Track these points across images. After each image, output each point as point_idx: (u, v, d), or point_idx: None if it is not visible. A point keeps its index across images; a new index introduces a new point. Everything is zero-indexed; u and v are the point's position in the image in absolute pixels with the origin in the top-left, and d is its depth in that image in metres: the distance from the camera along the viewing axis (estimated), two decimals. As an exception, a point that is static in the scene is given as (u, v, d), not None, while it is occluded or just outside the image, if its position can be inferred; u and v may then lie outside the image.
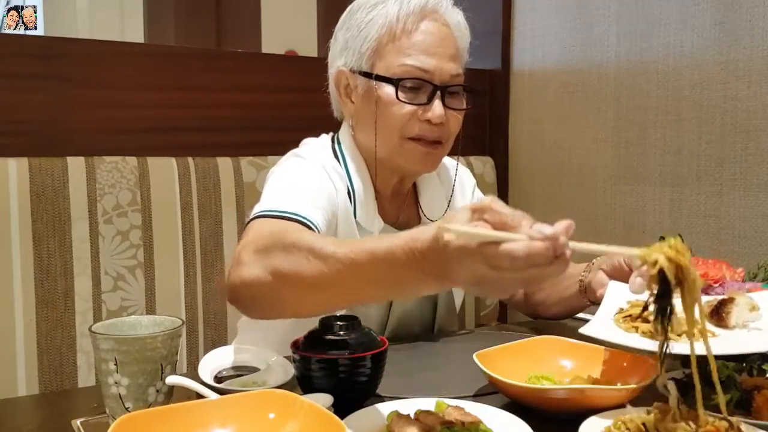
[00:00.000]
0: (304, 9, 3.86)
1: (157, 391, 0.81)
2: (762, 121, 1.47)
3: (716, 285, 1.10)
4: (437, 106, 1.15)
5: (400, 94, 1.15)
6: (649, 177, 1.70)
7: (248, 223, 1.05)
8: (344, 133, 1.28)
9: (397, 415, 0.76)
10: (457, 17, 1.22)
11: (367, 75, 1.18)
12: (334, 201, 1.15)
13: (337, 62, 1.23)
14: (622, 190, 1.77)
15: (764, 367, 0.89)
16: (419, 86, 1.16)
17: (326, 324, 0.89)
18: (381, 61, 1.17)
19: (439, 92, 1.16)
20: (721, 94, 1.54)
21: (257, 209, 1.07)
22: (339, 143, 1.27)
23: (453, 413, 0.77)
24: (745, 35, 1.49)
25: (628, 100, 1.75)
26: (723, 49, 1.53)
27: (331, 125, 1.33)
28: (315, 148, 1.25)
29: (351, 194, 1.19)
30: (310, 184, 1.13)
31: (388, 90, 1.16)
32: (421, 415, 0.77)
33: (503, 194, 2.07)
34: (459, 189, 1.37)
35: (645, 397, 0.81)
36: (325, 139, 1.30)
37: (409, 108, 1.15)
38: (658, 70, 1.67)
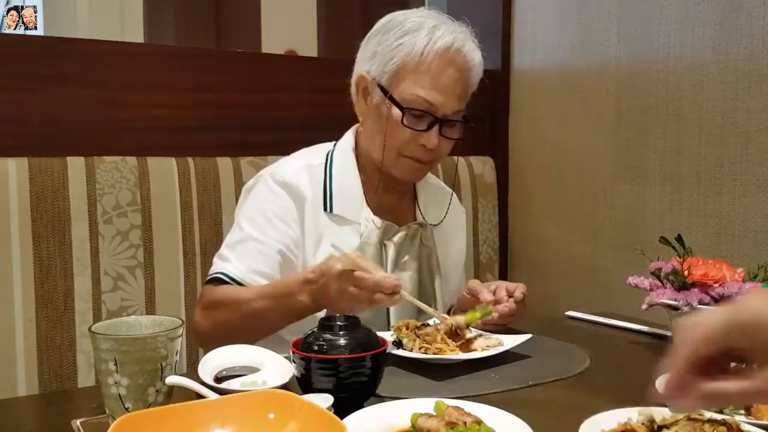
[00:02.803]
0: (304, 9, 3.86)
1: (157, 391, 0.81)
2: (762, 121, 1.47)
3: (716, 285, 1.10)
4: (433, 136, 1.26)
5: (405, 119, 1.26)
6: (649, 177, 1.70)
7: (208, 280, 1.27)
8: (349, 133, 1.37)
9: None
10: (477, 57, 1.30)
11: (384, 91, 1.27)
12: (292, 212, 1.28)
13: (363, 66, 1.31)
14: (622, 190, 1.77)
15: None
16: (422, 115, 1.26)
17: (326, 324, 0.89)
18: (399, 84, 1.26)
19: (438, 124, 1.26)
20: (721, 94, 1.54)
21: (217, 261, 1.29)
22: (335, 145, 1.36)
23: (453, 413, 0.77)
24: (745, 35, 1.49)
25: (628, 100, 1.75)
26: (723, 49, 1.53)
27: (331, 125, 1.34)
28: (302, 154, 1.36)
29: (327, 191, 1.29)
30: (262, 227, 1.27)
31: (396, 113, 1.26)
32: (421, 417, 0.77)
33: (503, 194, 2.07)
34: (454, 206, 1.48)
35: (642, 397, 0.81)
36: (329, 144, 1.38)
37: (410, 132, 1.26)
38: (658, 70, 1.67)
